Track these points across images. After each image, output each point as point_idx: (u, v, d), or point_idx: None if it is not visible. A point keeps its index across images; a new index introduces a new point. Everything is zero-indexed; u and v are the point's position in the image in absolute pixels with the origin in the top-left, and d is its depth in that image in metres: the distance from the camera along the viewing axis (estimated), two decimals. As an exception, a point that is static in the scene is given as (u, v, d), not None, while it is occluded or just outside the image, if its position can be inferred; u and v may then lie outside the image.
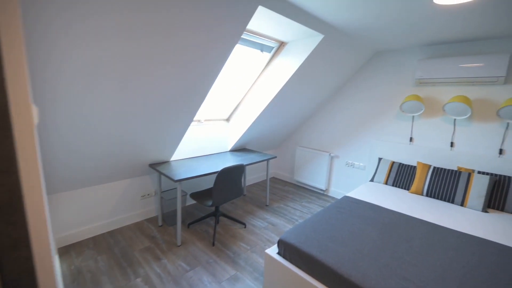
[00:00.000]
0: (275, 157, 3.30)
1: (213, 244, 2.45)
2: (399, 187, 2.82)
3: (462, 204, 2.36)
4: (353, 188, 3.58)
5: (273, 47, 2.66)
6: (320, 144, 3.92)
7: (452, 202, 2.41)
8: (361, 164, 3.47)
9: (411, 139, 3.00)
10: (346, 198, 2.46)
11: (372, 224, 1.94)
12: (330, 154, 3.74)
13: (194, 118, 2.95)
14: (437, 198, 2.50)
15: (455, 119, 2.66)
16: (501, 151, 2.45)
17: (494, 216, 2.16)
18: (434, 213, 2.19)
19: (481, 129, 2.53)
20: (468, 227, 1.96)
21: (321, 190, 3.95)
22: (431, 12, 1.79)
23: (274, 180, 4.50)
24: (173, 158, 2.87)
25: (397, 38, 2.50)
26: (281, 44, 2.63)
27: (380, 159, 3.10)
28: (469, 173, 2.40)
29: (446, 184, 2.46)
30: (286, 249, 1.72)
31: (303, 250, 1.62)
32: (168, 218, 2.78)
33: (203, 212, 3.16)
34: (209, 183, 3.56)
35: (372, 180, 3.06)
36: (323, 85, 3.27)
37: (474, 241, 1.75)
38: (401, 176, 2.83)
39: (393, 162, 2.95)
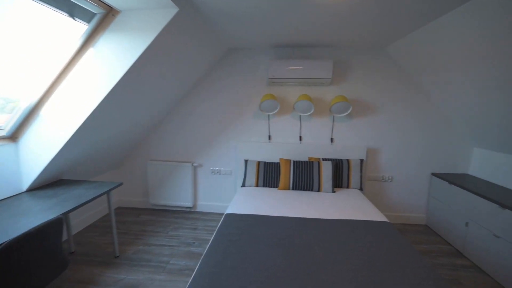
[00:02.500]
0: (120, 184, 2.27)
1: None
2: (269, 186, 2.80)
3: (319, 190, 2.65)
4: (223, 197, 3.26)
5: (95, 14, 1.66)
6: (178, 154, 3.24)
7: (312, 189, 2.67)
8: (227, 169, 3.20)
9: (269, 137, 3.08)
10: (229, 217, 2.04)
11: (271, 245, 1.63)
12: (192, 164, 3.18)
13: None
14: (301, 189, 2.69)
15: (300, 116, 2.99)
16: (332, 140, 3.01)
17: (341, 194, 2.58)
18: (307, 207, 2.26)
19: (319, 123, 3.00)
20: (334, 212, 2.15)
21: (188, 208, 3.32)
22: (300, 3, 1.70)
23: (121, 211, 3.28)
24: None
25: (250, 32, 2.36)
26: (110, 12, 1.69)
27: (246, 161, 2.96)
28: (318, 162, 2.75)
29: (305, 175, 2.68)
30: None
31: None
32: None
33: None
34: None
35: (243, 185, 2.86)
36: (174, 83, 2.63)
37: (346, 226, 1.91)
38: (269, 175, 2.82)
39: (259, 162, 2.90)
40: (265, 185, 2.80)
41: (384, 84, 2.85)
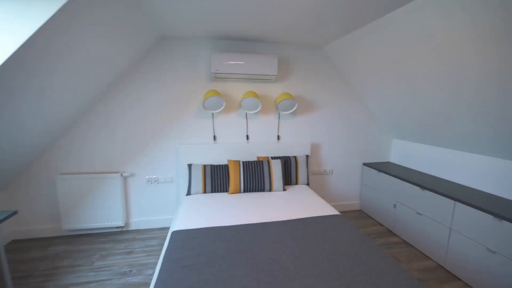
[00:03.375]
0: (14, 212, 1.64)
1: None
2: (218, 191, 2.56)
3: (270, 190, 2.58)
4: (164, 208, 2.83)
5: None
6: (101, 163, 2.63)
7: (263, 190, 2.57)
8: (168, 176, 2.79)
9: (214, 138, 2.83)
10: (178, 235, 1.73)
11: (234, 262, 1.43)
12: (121, 174, 2.63)
13: None
14: (253, 191, 2.55)
15: (246, 114, 2.84)
16: (278, 137, 2.99)
17: (292, 191, 2.57)
18: (263, 210, 2.14)
19: (265, 121, 2.92)
20: (290, 212, 2.10)
21: (118, 227, 2.74)
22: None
23: (19, 246, 2.45)
24: None
25: (188, 17, 2.06)
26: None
27: (190, 165, 2.63)
28: (267, 161, 2.67)
29: (256, 176, 2.56)
30: None
31: None
32: None
33: None
34: None
35: (189, 193, 2.52)
36: (91, 74, 2.08)
37: (305, 225, 1.87)
38: (217, 179, 2.58)
39: (205, 166, 2.62)
40: (214, 190, 2.55)
41: (323, 82, 2.99)
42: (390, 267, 1.39)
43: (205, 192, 2.53)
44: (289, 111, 2.79)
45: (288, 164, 2.82)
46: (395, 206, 2.75)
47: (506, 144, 1.93)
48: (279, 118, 2.95)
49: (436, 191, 2.24)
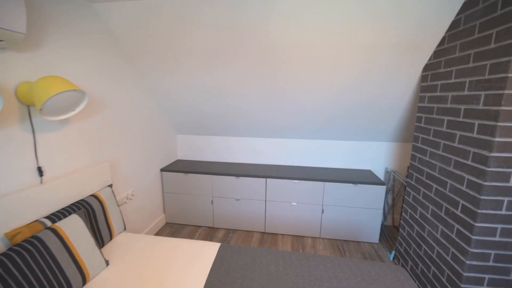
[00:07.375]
0: None
1: None
2: None
3: (84, 283, 1.24)
4: None
5: None
6: None
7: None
8: None
9: None
10: None
11: None
12: None
13: None
14: (46, 318, 1.05)
15: None
16: (41, 172, 1.40)
17: (121, 260, 1.46)
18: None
19: (3, 141, 1.19)
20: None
21: None
22: None
23: None
24: None
25: None
26: None
27: None
28: (54, 229, 1.20)
29: (40, 274, 1.06)
30: None
31: None
32: None
33: None
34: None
35: None
36: None
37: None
38: None
39: None
40: None
41: (102, 62, 1.83)
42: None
43: None
44: (66, 115, 1.39)
45: (92, 215, 1.50)
46: (212, 202, 2.71)
47: (262, 128, 2.71)
48: (33, 131, 1.36)
49: (250, 175, 2.58)
